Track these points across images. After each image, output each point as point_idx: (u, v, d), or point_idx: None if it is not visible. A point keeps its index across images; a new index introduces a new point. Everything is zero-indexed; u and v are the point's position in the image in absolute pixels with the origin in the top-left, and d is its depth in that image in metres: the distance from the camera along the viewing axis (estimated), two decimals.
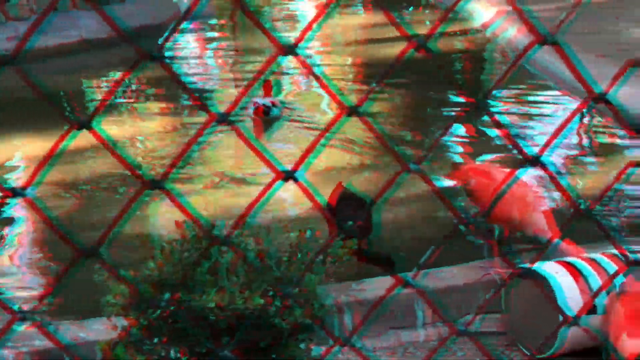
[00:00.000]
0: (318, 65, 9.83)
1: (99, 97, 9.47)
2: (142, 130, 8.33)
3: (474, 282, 5.21)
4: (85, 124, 1.33)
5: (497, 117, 6.78)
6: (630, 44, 9.02)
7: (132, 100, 9.16)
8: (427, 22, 12.55)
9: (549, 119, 8.33)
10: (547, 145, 1.74)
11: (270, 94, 8.05)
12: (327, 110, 8.77)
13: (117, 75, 9.65)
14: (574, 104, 8.33)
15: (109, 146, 1.44)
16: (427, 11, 13.21)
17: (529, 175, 5.48)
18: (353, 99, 9.29)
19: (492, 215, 5.24)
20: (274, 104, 8.00)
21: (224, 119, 1.36)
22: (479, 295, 5.23)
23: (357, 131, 7.58)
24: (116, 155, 1.37)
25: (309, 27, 1.52)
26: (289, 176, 1.42)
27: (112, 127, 8.11)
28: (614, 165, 7.19)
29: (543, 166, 1.52)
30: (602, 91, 1.55)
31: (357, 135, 7.61)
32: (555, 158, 7.02)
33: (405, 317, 5.14)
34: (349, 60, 10.79)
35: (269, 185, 1.45)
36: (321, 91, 8.82)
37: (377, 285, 5.16)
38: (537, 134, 7.91)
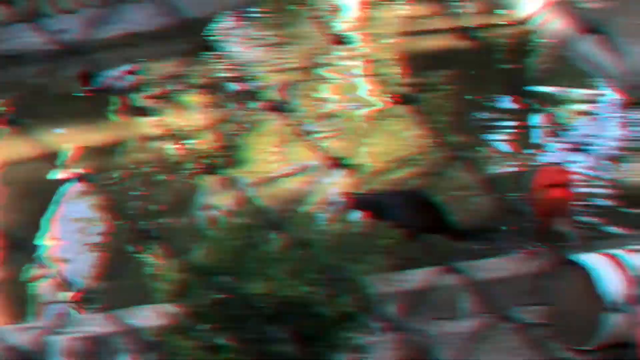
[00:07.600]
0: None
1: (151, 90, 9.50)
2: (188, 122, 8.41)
3: (520, 273, 5.22)
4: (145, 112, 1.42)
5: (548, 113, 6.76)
6: None
7: (177, 92, 9.22)
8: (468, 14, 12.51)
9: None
10: (588, 135, 1.79)
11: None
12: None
13: (166, 68, 9.66)
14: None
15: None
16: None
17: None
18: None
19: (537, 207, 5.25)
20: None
21: (279, 107, 1.46)
22: (525, 286, 5.23)
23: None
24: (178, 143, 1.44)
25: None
26: (341, 163, 1.48)
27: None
28: None
29: (588, 153, 1.58)
30: None
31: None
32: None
33: (449, 308, 5.15)
34: (390, 54, 10.76)
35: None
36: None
37: (419, 276, 5.17)
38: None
